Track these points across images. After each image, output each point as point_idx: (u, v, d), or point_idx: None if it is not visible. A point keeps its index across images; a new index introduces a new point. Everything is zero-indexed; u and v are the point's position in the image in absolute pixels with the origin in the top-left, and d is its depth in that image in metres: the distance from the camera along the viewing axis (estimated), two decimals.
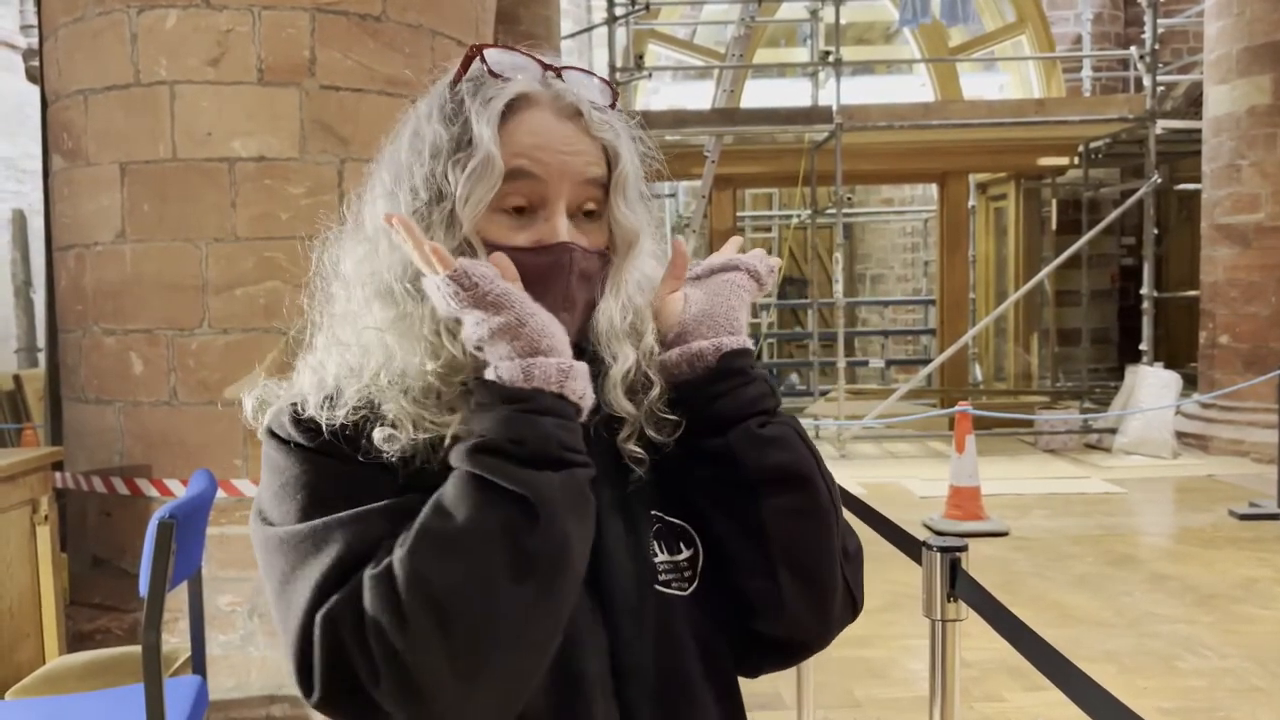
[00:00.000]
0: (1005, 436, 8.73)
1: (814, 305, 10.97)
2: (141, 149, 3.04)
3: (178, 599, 2.29)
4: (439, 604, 0.72)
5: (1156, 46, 8.71)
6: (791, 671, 2.74)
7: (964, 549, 1.71)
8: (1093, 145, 9.83)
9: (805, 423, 7.16)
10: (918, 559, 1.79)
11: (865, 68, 12.67)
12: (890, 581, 4.28)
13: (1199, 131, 8.49)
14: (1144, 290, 8.75)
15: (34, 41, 7.07)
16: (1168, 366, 8.44)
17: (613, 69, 9.10)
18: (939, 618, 1.71)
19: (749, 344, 0.90)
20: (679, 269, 0.93)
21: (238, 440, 3.05)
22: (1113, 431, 8.20)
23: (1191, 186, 10.12)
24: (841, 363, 8.84)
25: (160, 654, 1.94)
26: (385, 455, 0.80)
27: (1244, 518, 5.82)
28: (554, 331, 0.79)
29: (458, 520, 0.73)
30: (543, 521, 0.74)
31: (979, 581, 1.66)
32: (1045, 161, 10.07)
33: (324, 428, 0.81)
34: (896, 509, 4.76)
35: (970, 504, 5.67)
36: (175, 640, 2.89)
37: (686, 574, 0.89)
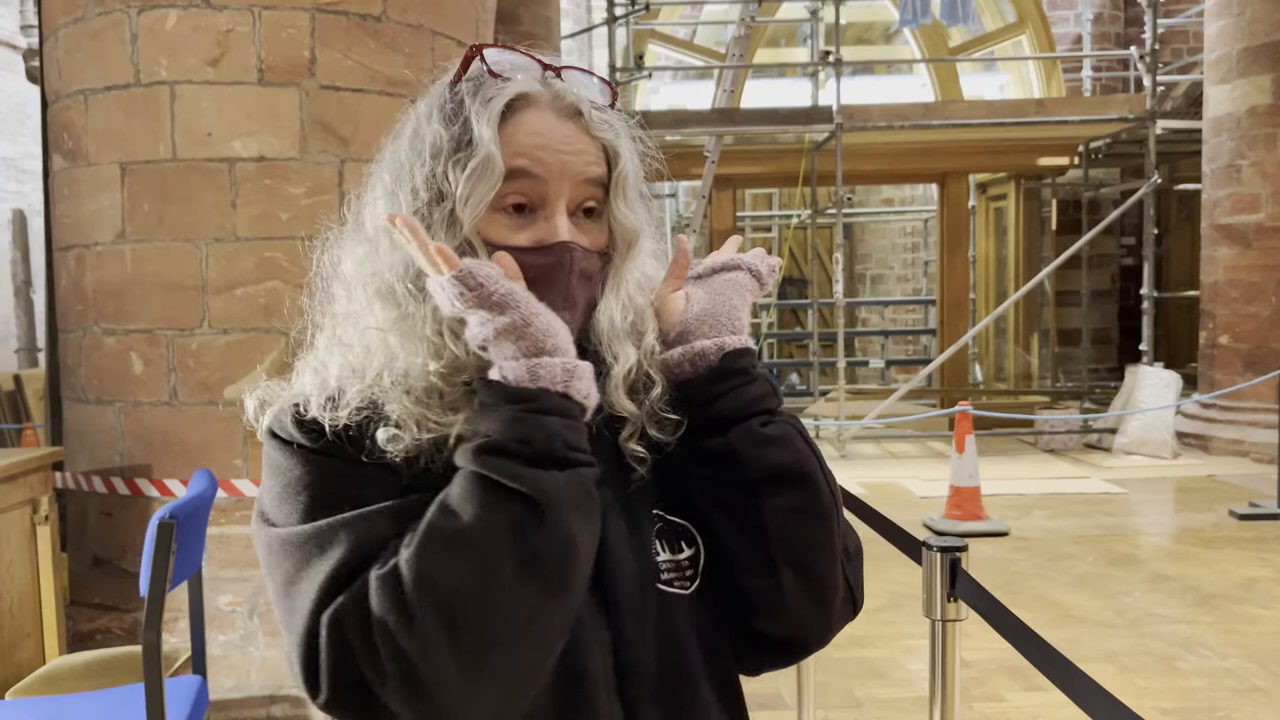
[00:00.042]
0: (1005, 437, 8.73)
1: (814, 305, 10.97)
2: (142, 149, 3.04)
3: (178, 599, 2.29)
4: (446, 604, 0.72)
5: (1156, 46, 8.71)
6: (792, 671, 2.74)
7: (964, 549, 1.71)
8: (1093, 145, 9.83)
9: (805, 423, 7.14)
10: (918, 559, 1.79)
11: (865, 68, 12.69)
12: (890, 581, 4.28)
13: (1199, 131, 8.49)
14: (1144, 290, 8.75)
15: (34, 41, 7.08)
16: (1168, 367, 8.44)
17: (613, 69, 9.10)
18: (939, 618, 1.71)
19: (751, 343, 0.91)
20: (681, 268, 0.93)
21: (238, 440, 3.05)
22: (1113, 432, 8.20)
23: (1191, 186, 10.12)
24: (841, 363, 8.84)
25: (160, 654, 1.94)
26: (389, 455, 0.80)
27: (1244, 518, 5.82)
28: (559, 331, 0.79)
29: (464, 520, 0.74)
30: (549, 521, 0.74)
31: (979, 581, 1.66)
32: (1045, 161, 10.07)
33: (327, 428, 0.81)
34: (896, 509, 4.77)
35: (970, 504, 5.67)
36: (175, 640, 2.89)
37: (688, 573, 0.89)
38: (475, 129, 0.83)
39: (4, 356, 8.86)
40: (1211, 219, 8.17)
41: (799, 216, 12.51)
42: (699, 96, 11.38)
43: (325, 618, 0.74)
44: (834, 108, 8.65)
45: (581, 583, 0.78)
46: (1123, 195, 10.04)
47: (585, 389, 0.79)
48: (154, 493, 3.07)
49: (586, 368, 0.80)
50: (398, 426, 0.81)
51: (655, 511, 0.89)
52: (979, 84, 11.78)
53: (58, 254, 3.36)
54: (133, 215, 3.07)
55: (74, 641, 3.10)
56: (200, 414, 3.05)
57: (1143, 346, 8.75)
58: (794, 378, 12.95)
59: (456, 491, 0.75)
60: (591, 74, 0.91)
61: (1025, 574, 4.81)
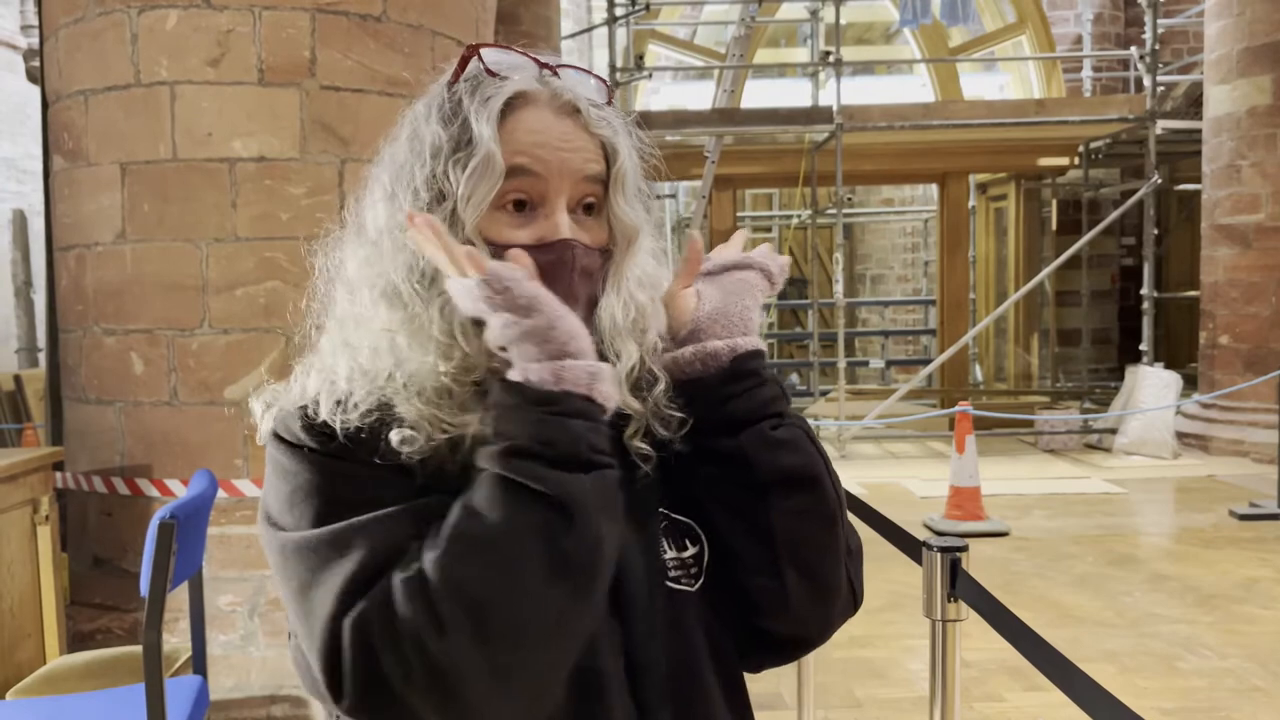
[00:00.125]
0: (1005, 437, 8.73)
1: (814, 305, 10.98)
2: (142, 149, 3.05)
3: (178, 599, 2.29)
4: (476, 607, 0.72)
5: (1156, 46, 8.71)
6: (792, 671, 2.74)
7: (964, 549, 1.71)
8: (1093, 145, 9.83)
9: None
10: (918, 559, 1.79)
11: (865, 68, 12.69)
12: (890, 581, 4.28)
13: (1199, 132, 8.49)
14: (1144, 290, 8.75)
15: (34, 42, 7.08)
16: (1168, 367, 8.44)
17: (613, 69, 9.10)
18: (939, 618, 1.71)
19: (762, 345, 0.91)
20: (694, 264, 0.93)
21: (238, 440, 3.05)
22: (1113, 432, 8.20)
23: (1191, 187, 10.12)
24: (842, 363, 8.84)
25: (161, 654, 1.94)
26: (402, 456, 0.80)
27: (1244, 518, 5.82)
28: (581, 334, 0.79)
29: (491, 523, 0.73)
30: (578, 524, 0.74)
31: (979, 582, 1.67)
32: (1045, 162, 10.07)
33: (339, 431, 0.81)
34: (897, 509, 4.77)
35: (970, 504, 5.67)
36: (176, 640, 2.89)
37: (693, 570, 0.89)
38: (475, 128, 0.83)
39: (4, 356, 8.86)
40: (1211, 219, 8.17)
41: (799, 216, 12.52)
42: (699, 96, 11.39)
43: (348, 622, 0.74)
44: (834, 108, 8.65)
45: (606, 583, 0.78)
46: (1123, 195, 10.04)
47: (607, 391, 0.79)
48: (154, 493, 3.07)
49: (608, 370, 0.80)
50: (411, 428, 0.80)
51: (660, 509, 0.90)
52: (979, 84, 11.79)
53: (58, 254, 3.36)
54: (133, 215, 3.07)
55: (74, 641, 3.10)
56: (200, 414, 3.05)
57: (1143, 347, 8.75)
58: (794, 378, 12.95)
59: (481, 494, 0.75)
60: (588, 72, 0.91)
61: (1025, 574, 4.81)
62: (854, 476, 7.11)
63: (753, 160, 9.91)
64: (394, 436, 0.80)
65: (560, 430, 0.76)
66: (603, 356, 0.87)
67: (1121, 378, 8.77)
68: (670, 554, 0.89)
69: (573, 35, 11.24)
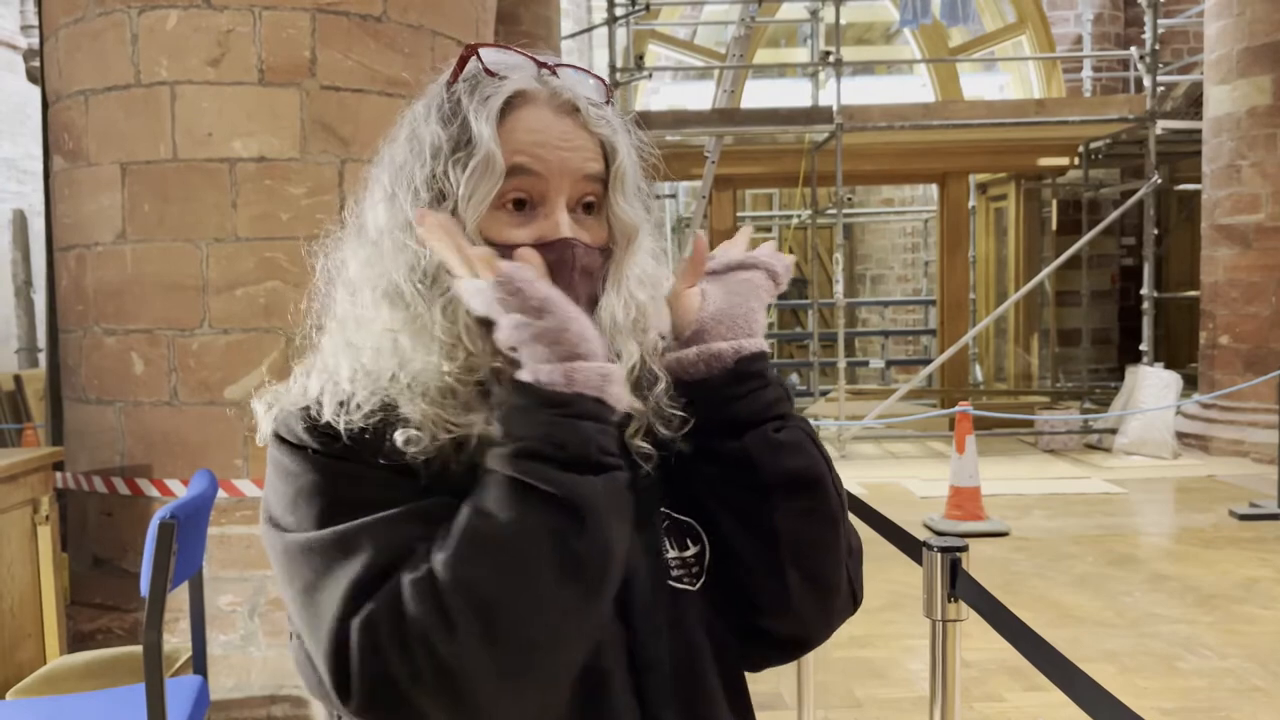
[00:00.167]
0: (1005, 437, 8.73)
1: (814, 305, 10.98)
2: (142, 149, 3.05)
3: (178, 599, 2.29)
4: (486, 608, 0.72)
5: (1157, 47, 8.71)
6: (792, 671, 2.74)
7: (964, 549, 1.71)
8: (1093, 145, 9.83)
9: None
10: (918, 559, 1.79)
11: (865, 68, 12.69)
12: (890, 581, 4.28)
13: (1199, 132, 8.49)
14: (1144, 290, 8.75)
15: (35, 42, 7.08)
16: (1168, 367, 8.44)
17: (613, 69, 9.10)
18: (939, 618, 1.71)
19: (766, 347, 0.91)
20: (698, 263, 0.93)
21: (238, 440, 3.05)
22: (1113, 432, 8.20)
23: (1191, 187, 10.12)
24: (842, 363, 8.84)
25: (161, 654, 1.94)
26: (407, 457, 0.80)
27: (1244, 518, 5.82)
28: (593, 336, 0.79)
29: (502, 525, 0.73)
30: (589, 526, 0.74)
31: (979, 582, 1.67)
32: (1045, 162, 10.07)
33: (342, 432, 0.81)
34: (897, 509, 4.77)
35: (970, 504, 5.67)
36: (176, 640, 2.89)
37: (694, 570, 0.90)
38: (474, 128, 0.83)
39: (4, 356, 8.86)
40: (1211, 219, 8.17)
41: (799, 217, 12.52)
42: (699, 96, 11.39)
43: (356, 623, 0.74)
44: (834, 108, 8.65)
45: (616, 584, 0.78)
46: (1123, 195, 10.04)
47: (618, 393, 0.79)
48: (154, 493, 3.07)
49: (619, 372, 0.80)
50: (416, 428, 0.80)
51: (661, 509, 0.90)
52: (979, 84, 11.79)
53: (58, 254, 3.37)
54: (133, 215, 3.07)
55: (74, 641, 3.10)
56: (201, 414, 3.05)
57: (1143, 347, 8.75)
58: (794, 378, 12.96)
59: (492, 496, 0.75)
60: (587, 71, 0.91)
61: (1025, 574, 4.81)
62: (854, 476, 7.11)
63: (753, 160, 9.91)
64: (398, 437, 0.80)
65: (572, 432, 0.75)
66: None
67: (1121, 378, 8.77)
68: (672, 553, 0.89)
69: (573, 35, 11.24)
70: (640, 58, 9.95)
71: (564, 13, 10.41)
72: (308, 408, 0.83)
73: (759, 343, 0.90)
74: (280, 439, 0.84)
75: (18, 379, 6.81)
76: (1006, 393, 10.65)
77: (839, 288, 8.81)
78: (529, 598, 0.73)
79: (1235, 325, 7.94)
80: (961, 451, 5.65)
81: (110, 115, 3.09)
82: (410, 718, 0.74)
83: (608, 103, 0.90)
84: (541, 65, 0.88)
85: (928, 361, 10.48)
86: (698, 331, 0.89)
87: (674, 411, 0.88)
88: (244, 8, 2.97)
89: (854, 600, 0.94)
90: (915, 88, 11.95)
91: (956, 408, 5.93)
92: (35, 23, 5.08)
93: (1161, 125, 8.75)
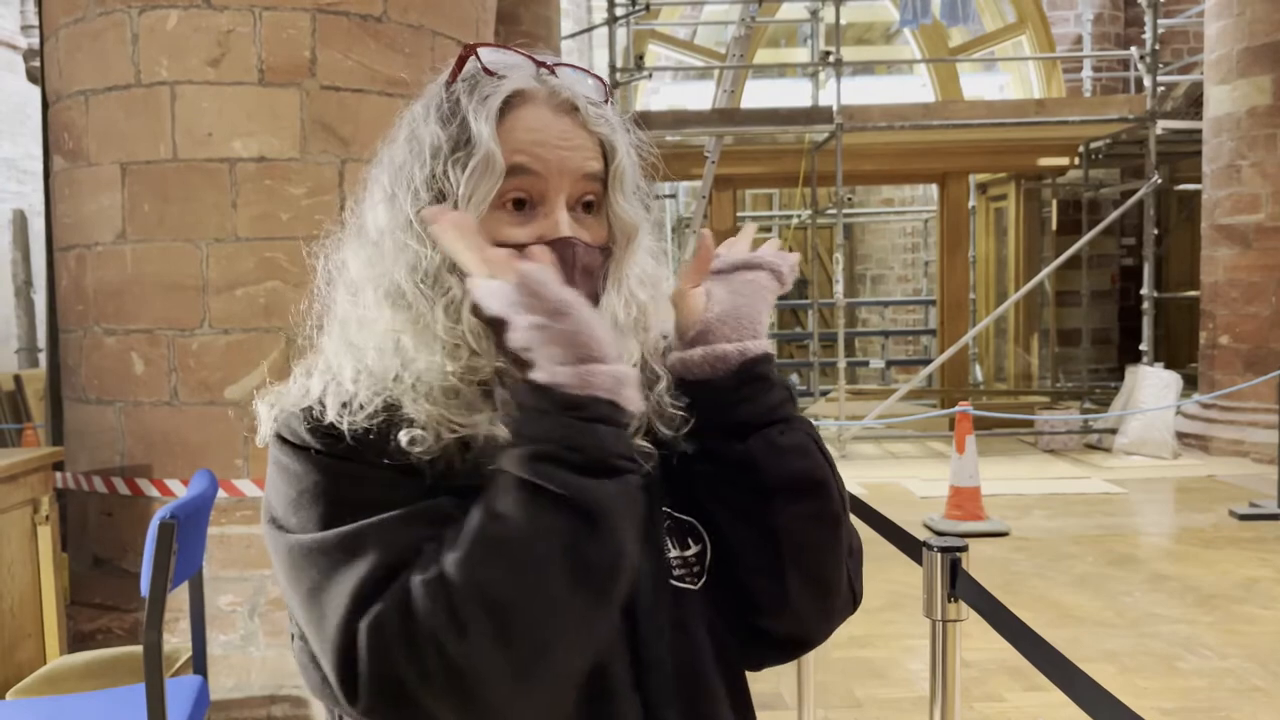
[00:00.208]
0: (1005, 437, 8.73)
1: (814, 305, 10.98)
2: (142, 149, 3.05)
3: (178, 599, 2.29)
4: (498, 609, 0.72)
5: (1157, 47, 8.71)
6: (792, 671, 2.74)
7: (964, 549, 1.71)
8: (1093, 145, 9.83)
9: None
10: (918, 559, 1.79)
11: (865, 68, 12.69)
12: (890, 581, 4.28)
13: (1199, 132, 8.50)
14: (1144, 290, 8.75)
15: (35, 42, 7.08)
16: (1168, 367, 8.44)
17: (613, 69, 9.11)
18: (939, 618, 1.72)
19: (771, 349, 0.91)
20: (703, 262, 0.93)
21: (238, 440, 3.05)
22: (1113, 432, 8.20)
23: (1191, 187, 10.12)
24: (842, 363, 8.84)
25: (161, 654, 1.94)
26: (411, 457, 0.80)
27: (1244, 518, 5.82)
28: (607, 339, 0.79)
29: (515, 528, 0.73)
30: (602, 531, 0.74)
31: (979, 582, 1.67)
32: (1045, 162, 10.07)
33: (346, 433, 0.80)
34: (897, 509, 4.77)
35: (970, 504, 5.67)
36: (176, 640, 2.89)
37: (695, 569, 0.90)
38: (473, 127, 0.83)
39: (4, 356, 8.86)
40: (1211, 219, 8.17)
41: (799, 217, 12.51)
42: (699, 97, 11.39)
43: (364, 624, 0.73)
44: (834, 108, 8.65)
45: (628, 586, 0.78)
46: (1123, 195, 10.04)
47: (632, 396, 0.79)
48: (154, 493, 3.07)
49: (633, 374, 0.79)
50: (421, 428, 0.80)
51: (662, 509, 0.90)
52: (979, 84, 11.79)
53: (58, 254, 3.37)
54: (133, 215, 3.07)
55: (74, 641, 3.10)
56: (201, 414, 3.05)
57: (1143, 347, 8.75)
58: (794, 378, 12.96)
59: (505, 498, 0.74)
60: (586, 71, 0.91)
61: (1025, 574, 4.81)
62: (854, 476, 7.11)
63: (753, 160, 9.91)
64: (403, 437, 0.80)
65: (586, 436, 0.75)
66: None
67: (1121, 378, 8.77)
68: (673, 552, 0.89)
69: (573, 35, 11.24)
70: (640, 58, 9.95)
71: (564, 13, 10.41)
72: (310, 408, 0.83)
73: (764, 345, 0.89)
74: (282, 440, 0.83)
75: (18, 379, 6.81)
76: (1006, 393, 10.65)
77: (839, 288, 8.81)
78: (542, 600, 0.72)
79: (1235, 325, 7.94)
80: (961, 451, 5.65)
81: (110, 115, 3.09)
82: (417, 718, 0.74)
83: (606, 102, 0.90)
84: (540, 65, 0.88)
85: (928, 361, 10.48)
86: (703, 332, 0.89)
87: (674, 411, 0.88)
88: (244, 8, 2.97)
89: (854, 600, 0.94)
90: (915, 88, 11.95)
91: (956, 408, 5.93)
92: (35, 23, 5.08)
93: (1161, 125, 8.75)
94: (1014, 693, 3.37)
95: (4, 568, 2.78)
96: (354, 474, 0.80)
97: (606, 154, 0.88)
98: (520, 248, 0.83)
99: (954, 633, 1.72)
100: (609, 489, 0.75)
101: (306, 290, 0.92)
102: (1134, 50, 9.74)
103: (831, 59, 8.79)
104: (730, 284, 0.92)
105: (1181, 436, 8.04)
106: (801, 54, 12.03)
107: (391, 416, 0.81)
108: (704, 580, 0.90)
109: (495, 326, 0.80)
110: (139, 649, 2.00)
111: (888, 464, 8.06)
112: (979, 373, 11.54)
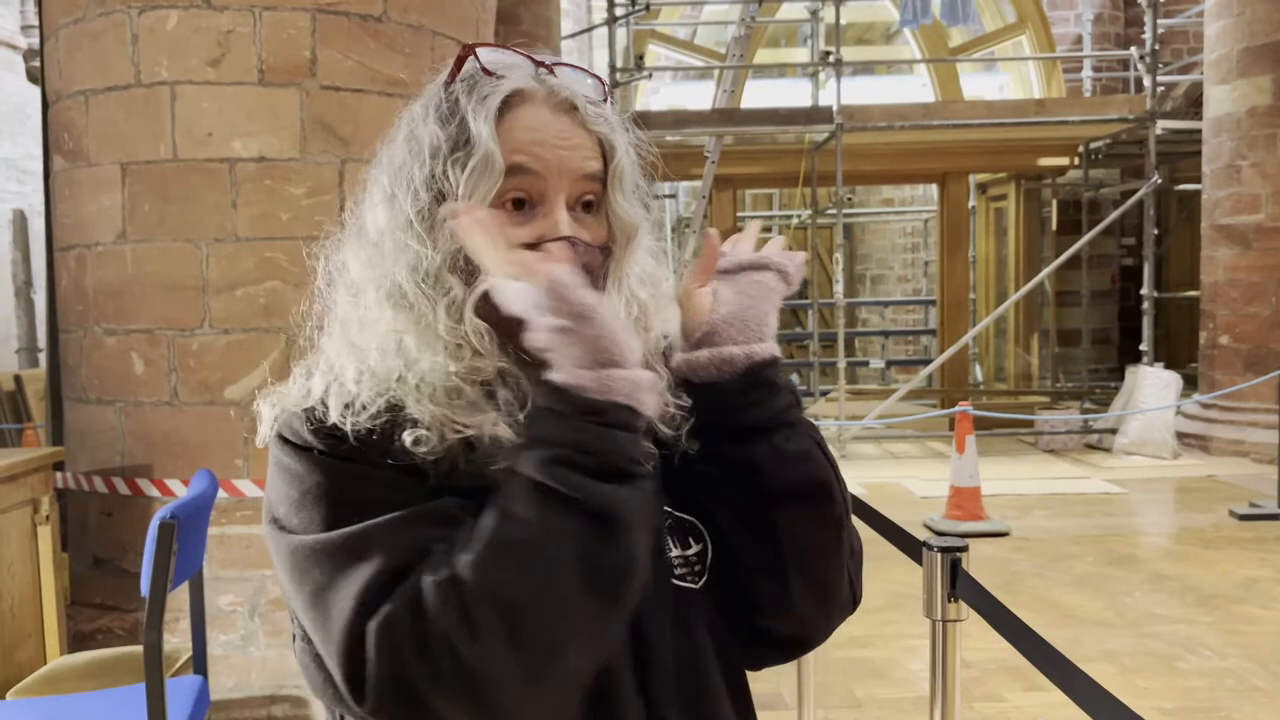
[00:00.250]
0: (1006, 437, 8.73)
1: (814, 305, 10.98)
2: (142, 149, 3.05)
3: (179, 599, 2.29)
4: (511, 612, 0.71)
5: (1156, 47, 8.71)
6: (792, 671, 2.74)
7: (964, 549, 1.71)
8: (1093, 145, 9.83)
9: None
10: (918, 559, 1.79)
11: (865, 68, 12.69)
12: (891, 581, 4.28)
13: (1199, 132, 8.50)
14: (1144, 290, 8.75)
15: (35, 42, 7.08)
16: (1168, 367, 8.44)
17: (613, 69, 9.10)
18: (939, 618, 1.72)
19: (778, 352, 0.90)
20: (709, 261, 0.92)
21: (239, 440, 3.06)
22: (1113, 432, 8.20)
23: (1191, 187, 10.12)
24: (842, 363, 8.84)
25: (161, 654, 1.94)
26: (415, 457, 0.79)
27: (1244, 518, 5.82)
28: (628, 343, 0.78)
29: (529, 531, 0.73)
30: (616, 535, 0.74)
31: (979, 582, 1.67)
32: (1045, 162, 10.07)
33: (349, 433, 0.80)
34: (897, 509, 4.77)
35: (970, 504, 5.67)
36: (176, 640, 2.89)
37: (696, 568, 0.90)
38: (473, 127, 0.83)
39: (4, 356, 8.86)
40: (1211, 219, 8.17)
41: (799, 217, 12.51)
42: (699, 97, 11.39)
43: (373, 626, 0.73)
44: (834, 108, 8.65)
45: (639, 591, 0.78)
46: (1123, 195, 10.04)
47: (649, 401, 0.78)
48: (155, 493, 3.07)
49: (651, 379, 0.79)
50: (425, 429, 0.80)
51: (664, 508, 0.89)
52: (979, 84, 11.79)
53: (58, 254, 3.37)
54: (133, 215, 3.07)
55: (75, 641, 3.10)
56: (201, 414, 3.05)
57: (1143, 347, 8.75)
58: (794, 378, 12.96)
59: (519, 500, 0.74)
60: (585, 70, 0.91)
61: (1025, 574, 4.81)
62: (854, 476, 7.11)
63: (753, 160, 9.91)
64: (407, 437, 0.79)
65: (604, 440, 0.75)
66: None
67: (1121, 378, 8.77)
68: (675, 552, 0.89)
69: (573, 35, 11.24)
70: (640, 58, 9.95)
71: (564, 13, 10.41)
72: (312, 409, 0.83)
73: (771, 348, 0.89)
74: (284, 440, 0.83)
75: (18, 379, 6.81)
76: (1006, 393, 10.65)
77: (839, 288, 8.81)
78: (554, 603, 0.72)
79: (1235, 325, 7.94)
80: (961, 451, 5.65)
81: (110, 115, 3.09)
82: (425, 717, 0.74)
83: (605, 101, 0.90)
84: (539, 64, 0.88)
85: (928, 361, 10.48)
86: (709, 334, 0.89)
87: (681, 408, 0.88)
88: (244, 8, 2.97)
89: (854, 600, 0.94)
90: (915, 88, 11.95)
91: (956, 408, 5.93)
92: (35, 23, 5.08)
93: (1161, 125, 8.75)
94: (1014, 693, 3.37)
95: (4, 568, 2.79)
96: (357, 475, 0.80)
97: (606, 153, 0.88)
98: (531, 247, 0.82)
99: (954, 633, 1.72)
100: (623, 494, 0.74)
101: (307, 290, 0.92)
102: (1134, 50, 9.74)
103: (831, 59, 8.79)
104: (737, 284, 0.91)
105: (1181, 436, 8.04)
106: (801, 54, 12.03)
107: (394, 417, 0.81)
108: (705, 579, 0.90)
109: (500, 326, 0.80)
110: (139, 649, 2.01)
111: (888, 464, 8.06)
112: (979, 373, 11.54)
